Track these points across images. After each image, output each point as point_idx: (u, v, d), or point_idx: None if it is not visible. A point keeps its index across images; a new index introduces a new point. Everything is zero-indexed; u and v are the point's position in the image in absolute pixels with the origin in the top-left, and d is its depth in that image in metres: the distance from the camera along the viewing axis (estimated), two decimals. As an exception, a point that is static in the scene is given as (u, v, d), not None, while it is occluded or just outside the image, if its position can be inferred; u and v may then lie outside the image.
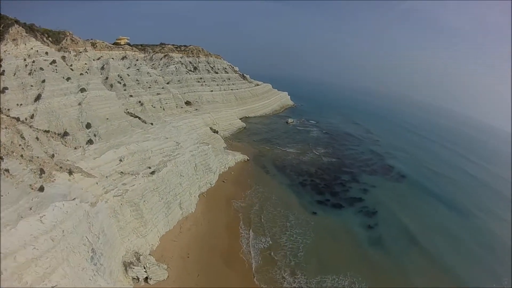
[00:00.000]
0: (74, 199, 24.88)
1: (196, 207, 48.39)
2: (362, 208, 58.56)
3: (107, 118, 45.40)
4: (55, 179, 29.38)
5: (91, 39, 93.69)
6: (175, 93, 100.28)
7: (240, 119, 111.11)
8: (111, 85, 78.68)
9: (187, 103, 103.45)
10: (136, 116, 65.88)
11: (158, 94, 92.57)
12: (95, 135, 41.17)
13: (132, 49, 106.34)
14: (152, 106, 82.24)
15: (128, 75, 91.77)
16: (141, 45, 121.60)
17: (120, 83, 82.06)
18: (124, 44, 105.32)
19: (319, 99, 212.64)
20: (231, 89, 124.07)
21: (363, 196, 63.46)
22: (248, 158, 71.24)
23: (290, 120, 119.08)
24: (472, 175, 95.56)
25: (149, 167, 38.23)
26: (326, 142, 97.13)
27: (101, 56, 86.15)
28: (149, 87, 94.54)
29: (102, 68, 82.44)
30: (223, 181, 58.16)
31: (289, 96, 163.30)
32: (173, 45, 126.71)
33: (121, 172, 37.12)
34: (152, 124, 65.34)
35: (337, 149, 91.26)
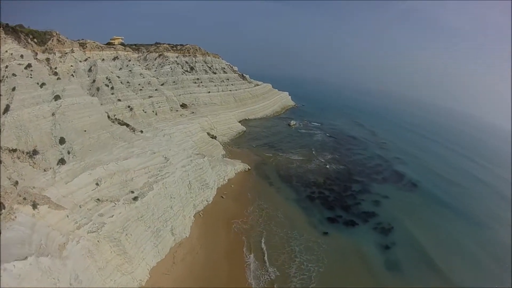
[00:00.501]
0: (26, 258, 18.69)
1: (191, 231, 42.34)
2: (377, 225, 52.75)
3: (85, 130, 39.08)
4: (16, 216, 23.65)
5: (82, 39, 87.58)
6: (169, 96, 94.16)
7: (239, 122, 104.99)
8: (98, 89, 72.58)
9: (183, 105, 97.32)
10: (124, 124, 59.72)
11: (150, 97, 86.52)
12: (69, 153, 34.87)
13: (124, 49, 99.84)
14: (143, 110, 76.00)
15: (119, 77, 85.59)
16: (135, 44, 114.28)
17: (108, 86, 75.78)
18: (118, 44, 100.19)
19: (320, 99, 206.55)
20: (230, 90, 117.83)
21: (376, 209, 57.65)
22: (249, 168, 65.18)
23: (292, 123, 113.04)
24: (480, 179, 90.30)
25: (132, 191, 32.10)
26: (331, 146, 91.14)
27: (89, 57, 79.52)
28: (141, 90, 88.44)
29: (90, 70, 76.15)
30: (222, 197, 52.07)
31: (289, 97, 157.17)
32: (168, 44, 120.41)
33: (98, 199, 30.98)
34: (142, 131, 59.26)
35: (343, 154, 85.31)
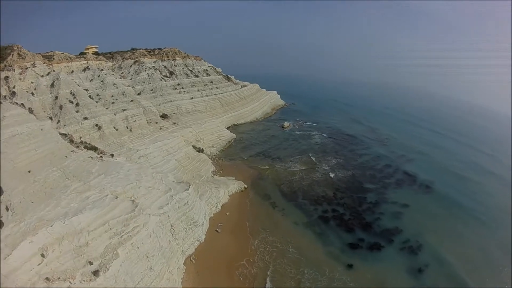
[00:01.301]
0: None
1: (183, 284, 32.19)
2: (404, 244, 44.31)
3: (29, 171, 28.21)
4: None
5: (51, 51, 76.58)
6: (147, 106, 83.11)
7: (228, 128, 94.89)
8: (61, 107, 61.51)
9: (163, 116, 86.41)
10: (91, 147, 48.86)
11: (123, 110, 75.54)
12: (7, 209, 24.08)
13: (96, 58, 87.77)
14: (114, 128, 65.01)
15: (87, 90, 74.50)
16: (110, 52, 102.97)
17: (73, 102, 64.70)
18: (92, 53, 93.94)
19: (311, 96, 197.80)
20: (215, 94, 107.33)
21: (398, 223, 49.18)
22: (246, 186, 55.23)
23: (285, 124, 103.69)
24: (488, 171, 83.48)
25: (90, 262, 21.74)
26: (332, 149, 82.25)
27: (52, 71, 68.10)
28: (113, 103, 77.34)
29: (52, 85, 64.92)
30: (217, 230, 41.86)
31: (279, 96, 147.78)
32: (145, 49, 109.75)
33: (47, 278, 20.45)
34: (112, 155, 48.49)
35: (348, 157, 76.54)
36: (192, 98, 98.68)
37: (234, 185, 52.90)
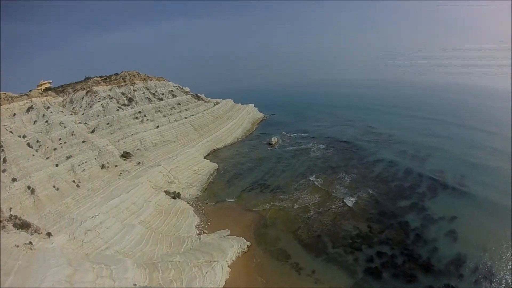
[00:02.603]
0: None
1: None
2: (475, 274, 32.23)
3: None
4: None
5: None
6: (103, 146, 65.39)
7: (207, 156, 78.16)
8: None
9: (125, 155, 68.51)
10: (21, 225, 30.54)
11: (68, 157, 57.66)
12: None
13: (42, 94, 74.75)
14: (53, 187, 47.00)
15: (25, 136, 56.83)
16: (62, 86, 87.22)
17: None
18: (45, 89, 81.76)
19: (288, 102, 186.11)
20: (185, 117, 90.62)
21: (458, 247, 36.50)
22: (249, 244, 38.44)
23: (273, 140, 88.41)
24: (504, 152, 72.97)
25: None
26: (339, 163, 67.48)
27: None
28: (55, 149, 59.76)
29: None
30: None
31: (256, 108, 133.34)
32: (100, 76, 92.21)
33: None
34: (50, 234, 30.47)
35: (361, 171, 62.13)
36: (157, 126, 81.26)
37: (233, 248, 35.94)
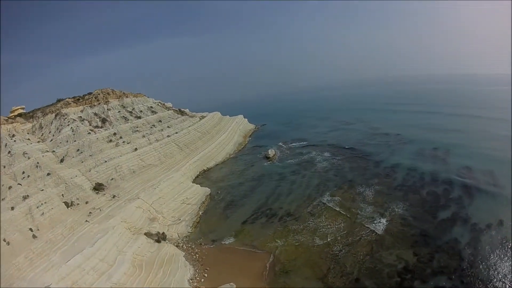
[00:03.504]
0: None
1: None
2: None
3: None
4: None
5: None
6: (70, 178, 53.71)
7: (196, 179, 66.90)
8: None
9: (97, 187, 56.53)
10: None
11: (25, 198, 45.99)
12: None
13: (7, 121, 65.06)
14: (4, 241, 34.51)
15: None
16: (32, 110, 77.76)
17: None
18: (17, 115, 73.62)
19: (276, 111, 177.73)
20: (168, 136, 79.28)
21: None
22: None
23: (270, 153, 77.90)
24: None
25: None
26: (354, 172, 57.50)
27: None
28: (10, 187, 47.93)
29: None
30: None
31: (246, 119, 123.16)
32: (72, 97, 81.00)
33: None
34: None
35: (383, 181, 52.02)
36: (136, 149, 69.62)
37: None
